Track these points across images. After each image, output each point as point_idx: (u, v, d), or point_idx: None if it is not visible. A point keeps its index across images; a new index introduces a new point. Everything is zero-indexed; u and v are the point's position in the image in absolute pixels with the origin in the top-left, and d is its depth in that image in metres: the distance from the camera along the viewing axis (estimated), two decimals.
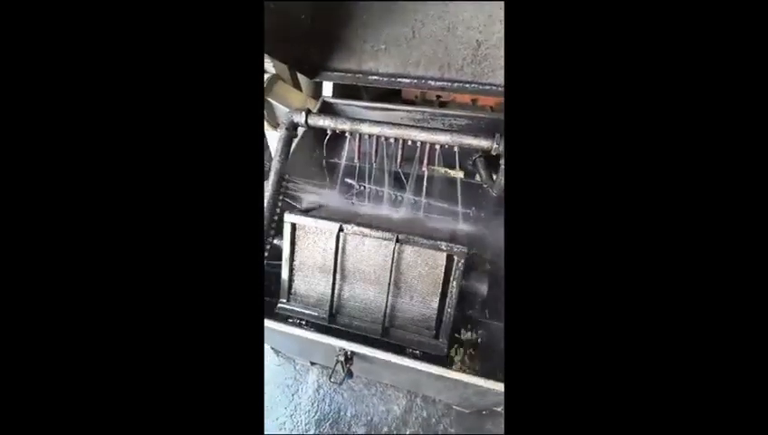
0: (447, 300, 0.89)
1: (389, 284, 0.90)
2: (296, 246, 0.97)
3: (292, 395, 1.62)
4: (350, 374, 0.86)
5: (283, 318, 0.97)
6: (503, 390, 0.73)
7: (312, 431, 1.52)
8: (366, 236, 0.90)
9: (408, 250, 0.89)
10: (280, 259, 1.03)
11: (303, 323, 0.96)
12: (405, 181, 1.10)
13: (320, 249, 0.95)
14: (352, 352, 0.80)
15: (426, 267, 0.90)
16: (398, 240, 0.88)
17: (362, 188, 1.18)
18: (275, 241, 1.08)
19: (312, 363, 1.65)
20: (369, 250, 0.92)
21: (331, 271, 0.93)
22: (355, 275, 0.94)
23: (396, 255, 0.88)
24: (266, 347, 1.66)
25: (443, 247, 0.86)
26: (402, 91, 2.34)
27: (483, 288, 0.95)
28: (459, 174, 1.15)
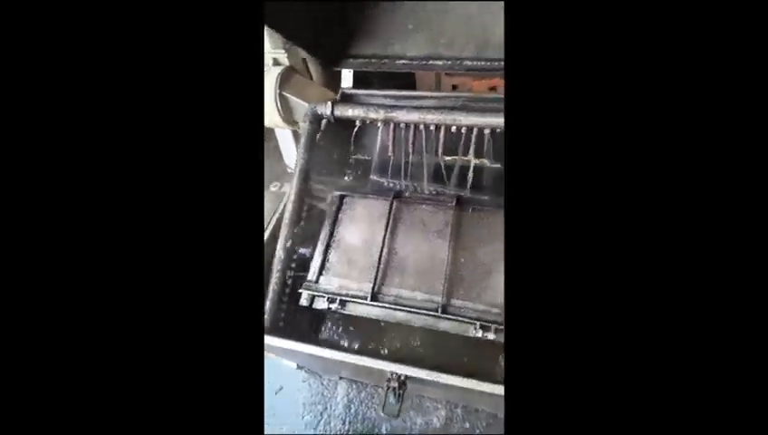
0: None
1: (449, 249, 0.80)
2: (338, 224, 0.90)
3: (321, 413, 1.51)
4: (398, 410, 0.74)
5: (313, 334, 0.85)
6: None
7: None
8: (423, 202, 0.84)
9: (471, 215, 0.84)
10: (305, 271, 0.92)
11: (336, 301, 0.83)
12: (445, 177, 0.97)
13: (365, 224, 0.88)
14: (406, 377, 0.68)
15: (490, 233, 0.82)
16: (458, 202, 0.81)
17: (395, 185, 1.05)
18: (302, 250, 0.97)
19: (341, 377, 1.54)
20: (423, 218, 0.86)
21: (380, 240, 0.84)
22: (407, 245, 0.85)
23: (455, 220, 0.82)
24: (291, 365, 1.55)
25: None
26: (416, 83, 2.21)
27: None
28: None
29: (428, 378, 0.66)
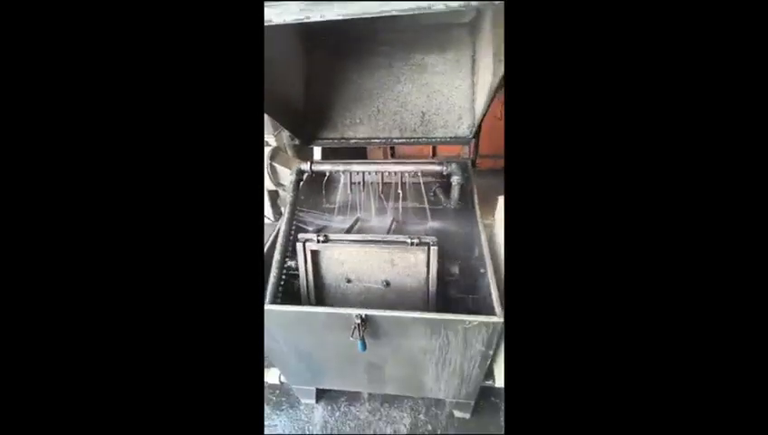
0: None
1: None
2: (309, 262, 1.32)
3: None
4: (363, 344, 1.09)
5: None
6: (494, 321, 0.99)
7: None
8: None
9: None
10: (292, 278, 1.32)
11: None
12: (385, 202, 1.50)
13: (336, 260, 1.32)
14: (366, 316, 1.05)
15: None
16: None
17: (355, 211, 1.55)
18: (289, 262, 1.36)
19: (318, 401, 1.74)
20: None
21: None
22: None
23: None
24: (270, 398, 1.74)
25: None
26: (367, 152, 2.99)
27: (455, 270, 1.28)
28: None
29: (379, 314, 1.03)
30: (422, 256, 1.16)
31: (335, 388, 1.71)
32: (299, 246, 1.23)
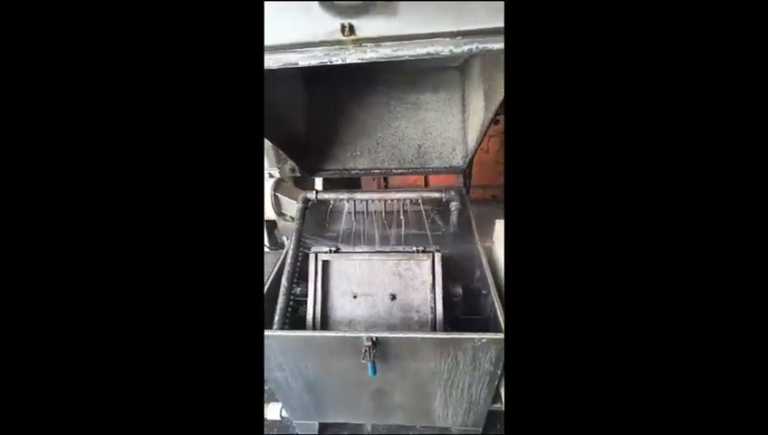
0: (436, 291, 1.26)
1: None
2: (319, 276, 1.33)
3: None
4: (374, 368, 1.10)
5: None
6: (502, 338, 1.02)
7: None
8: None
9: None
10: (298, 303, 1.33)
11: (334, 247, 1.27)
12: (386, 228, 1.55)
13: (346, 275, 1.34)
14: (377, 338, 1.07)
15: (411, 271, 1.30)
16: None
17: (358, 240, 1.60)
18: (296, 289, 1.38)
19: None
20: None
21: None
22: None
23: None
24: None
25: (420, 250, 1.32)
26: (361, 182, 3.12)
27: (458, 290, 1.32)
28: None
29: (389, 335, 1.05)
30: (427, 263, 1.21)
31: (339, 420, 1.66)
32: (311, 257, 1.29)
